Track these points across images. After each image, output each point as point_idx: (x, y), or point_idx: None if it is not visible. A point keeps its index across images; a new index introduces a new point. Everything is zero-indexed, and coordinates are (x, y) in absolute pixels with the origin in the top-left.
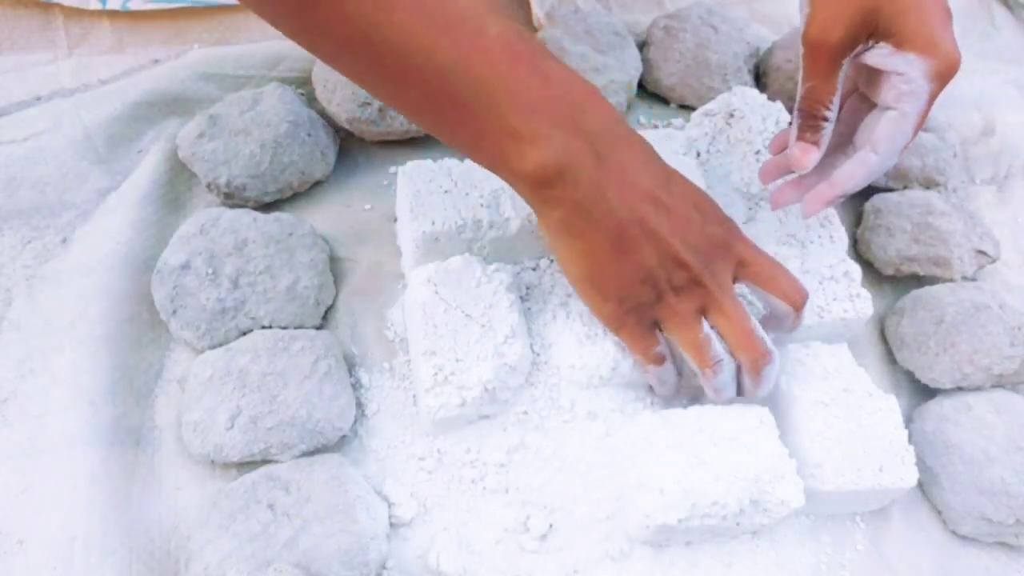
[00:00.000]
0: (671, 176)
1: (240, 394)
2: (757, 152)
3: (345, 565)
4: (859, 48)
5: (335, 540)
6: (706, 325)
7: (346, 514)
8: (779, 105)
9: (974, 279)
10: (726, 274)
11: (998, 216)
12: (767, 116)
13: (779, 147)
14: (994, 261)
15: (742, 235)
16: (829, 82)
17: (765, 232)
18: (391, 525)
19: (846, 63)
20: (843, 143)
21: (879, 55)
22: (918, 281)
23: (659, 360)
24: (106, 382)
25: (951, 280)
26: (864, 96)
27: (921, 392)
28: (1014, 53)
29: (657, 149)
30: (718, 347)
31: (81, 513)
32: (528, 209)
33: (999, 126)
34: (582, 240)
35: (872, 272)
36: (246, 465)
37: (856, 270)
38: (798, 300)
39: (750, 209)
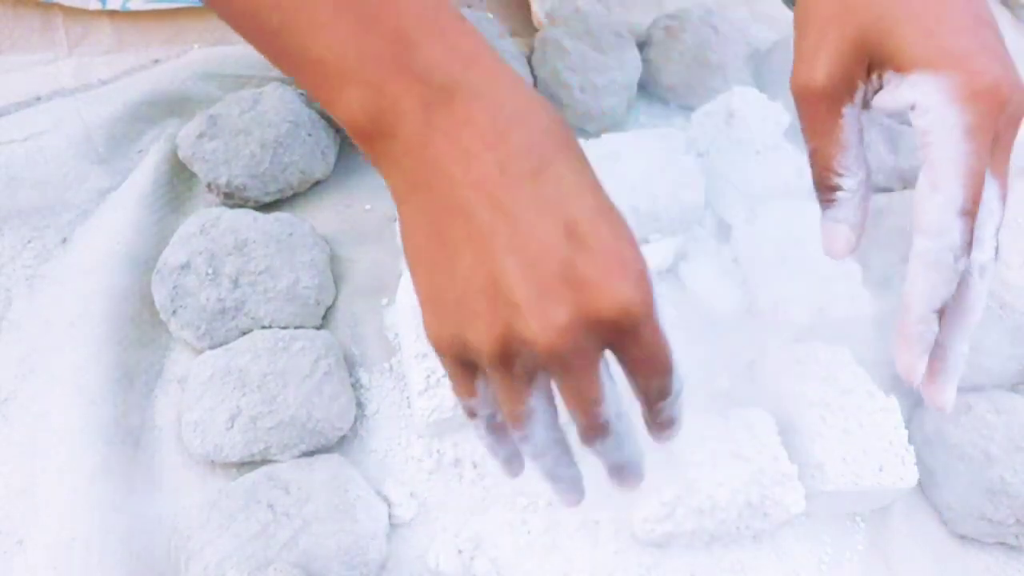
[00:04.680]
0: (550, 163)
1: (240, 394)
2: (757, 152)
3: (345, 565)
4: (861, 88)
5: (335, 540)
6: (536, 394)
7: (346, 514)
8: (779, 105)
9: None
10: (585, 339)
11: None
12: (767, 116)
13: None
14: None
15: (642, 291)
16: (832, 139)
17: (765, 232)
18: (391, 525)
19: (848, 112)
20: None
21: (889, 92)
22: None
23: (470, 413)
24: (106, 382)
25: None
26: None
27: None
28: (1014, 53)
29: (657, 149)
30: (532, 402)
31: (81, 513)
32: None
33: None
34: (403, 208)
35: (872, 272)
36: (246, 465)
37: (856, 270)
38: (653, 399)
39: (750, 209)
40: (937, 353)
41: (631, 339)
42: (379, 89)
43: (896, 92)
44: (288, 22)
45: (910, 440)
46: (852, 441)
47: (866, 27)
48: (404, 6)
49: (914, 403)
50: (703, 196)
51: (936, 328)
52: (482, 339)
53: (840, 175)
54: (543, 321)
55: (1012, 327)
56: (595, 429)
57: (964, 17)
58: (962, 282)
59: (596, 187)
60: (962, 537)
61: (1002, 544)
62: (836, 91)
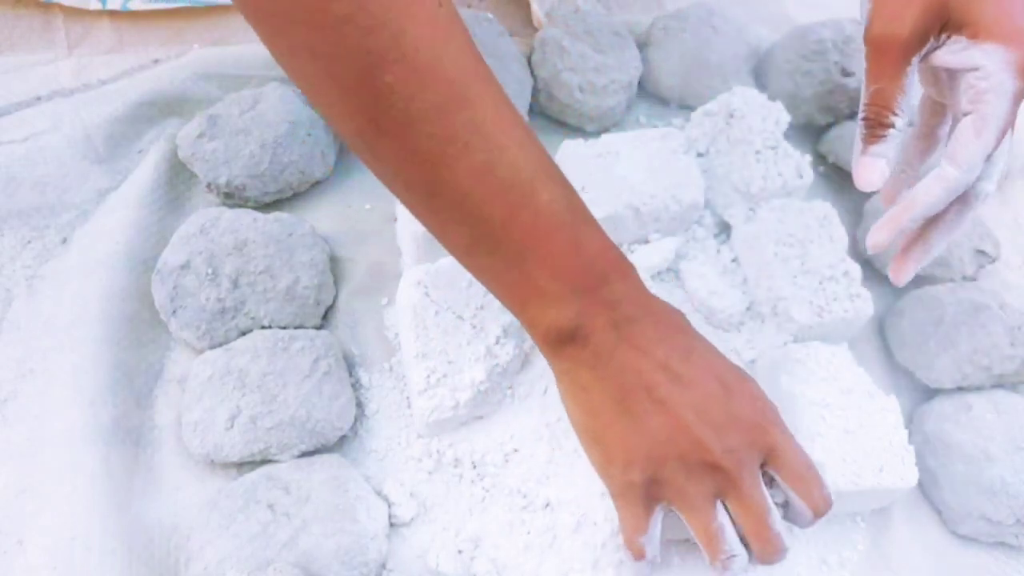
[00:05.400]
0: (695, 348)
1: (240, 394)
2: (757, 152)
3: (345, 565)
4: (930, 44)
5: (335, 540)
6: (720, 512)
7: (346, 514)
8: (779, 105)
9: (974, 279)
10: (750, 458)
11: (998, 216)
12: (767, 116)
13: (889, 198)
14: (994, 261)
15: (778, 420)
16: (896, 83)
17: (765, 232)
18: (391, 525)
19: (915, 62)
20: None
21: (952, 51)
22: (918, 281)
23: (639, 552)
24: (106, 382)
25: (951, 280)
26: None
27: (921, 392)
28: None
29: (657, 149)
30: (732, 538)
31: (81, 513)
32: None
33: None
34: (586, 394)
35: (872, 272)
36: (246, 465)
37: (856, 270)
38: (822, 508)
39: (750, 209)
40: (919, 243)
41: (787, 460)
42: (582, 312)
43: (964, 53)
44: (524, 253)
45: (910, 440)
46: (852, 441)
47: None
48: (608, 254)
49: (914, 403)
50: (703, 196)
51: (915, 227)
52: (686, 466)
53: (896, 114)
54: (719, 445)
55: (1012, 327)
56: (769, 543)
57: None
58: (964, 200)
59: (720, 353)
60: (962, 537)
61: (1002, 544)
62: (913, 42)
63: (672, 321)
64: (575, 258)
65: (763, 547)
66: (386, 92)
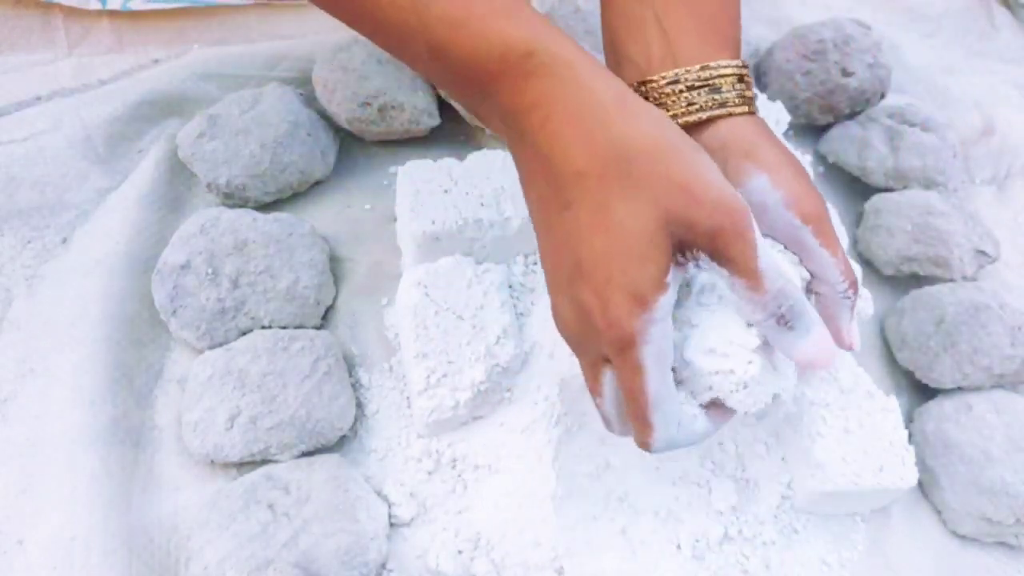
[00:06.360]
0: (572, 201)
1: (240, 394)
2: None
3: (345, 565)
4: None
5: (335, 540)
6: (605, 383)
7: (346, 514)
8: (779, 105)
9: (974, 279)
10: (627, 312)
11: (998, 216)
12: (767, 116)
13: None
14: (994, 261)
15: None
16: None
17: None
18: (391, 525)
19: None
20: None
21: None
22: (918, 281)
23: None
24: (106, 382)
25: (951, 280)
26: None
27: (921, 392)
28: (1014, 53)
29: None
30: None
31: (81, 513)
32: None
33: (999, 126)
34: (523, 190)
35: (872, 272)
36: (246, 465)
37: (856, 270)
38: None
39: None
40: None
41: (616, 367)
42: (500, 97)
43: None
44: (396, 55)
45: (910, 440)
46: (852, 441)
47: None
48: (477, 59)
49: (914, 403)
50: None
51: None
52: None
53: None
54: (558, 317)
55: (1012, 327)
56: (605, 422)
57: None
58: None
59: (611, 230)
60: (962, 537)
61: (1002, 544)
62: None
63: (566, 157)
64: (440, 67)
65: (633, 427)
66: None
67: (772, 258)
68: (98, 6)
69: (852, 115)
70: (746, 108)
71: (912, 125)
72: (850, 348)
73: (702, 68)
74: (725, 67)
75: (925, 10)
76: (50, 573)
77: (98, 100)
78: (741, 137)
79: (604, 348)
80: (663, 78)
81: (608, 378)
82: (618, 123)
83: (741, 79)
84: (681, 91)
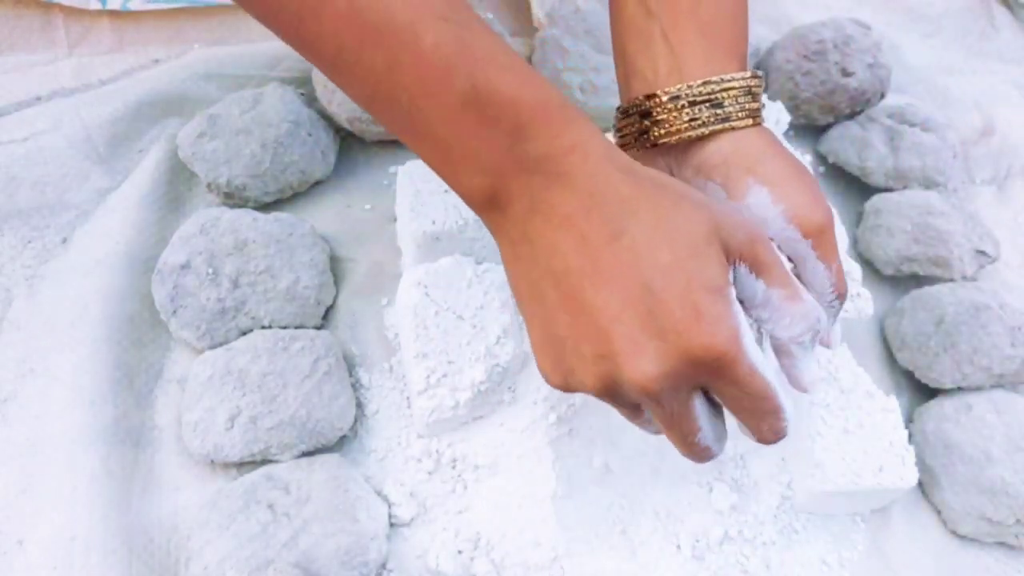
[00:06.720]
0: (626, 229)
1: (240, 394)
2: None
3: (345, 565)
4: None
5: (335, 540)
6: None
7: (346, 514)
8: (779, 105)
9: (974, 279)
10: (668, 386)
11: (998, 216)
12: (767, 115)
13: None
14: (994, 261)
15: (720, 332)
16: None
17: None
18: (391, 525)
19: None
20: None
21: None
22: (918, 281)
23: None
24: (106, 382)
25: (951, 280)
26: None
27: (921, 392)
28: (1014, 53)
29: None
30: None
31: (81, 513)
32: None
33: (999, 126)
34: (508, 271)
35: (872, 272)
36: (246, 465)
37: (856, 270)
38: (770, 440)
39: None
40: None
41: (725, 381)
42: (497, 177)
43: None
44: (417, 104)
45: (910, 440)
46: (852, 441)
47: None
48: (522, 101)
49: (914, 403)
50: None
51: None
52: (587, 387)
53: None
54: (636, 373)
55: (1012, 327)
56: (697, 455)
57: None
58: None
59: (674, 240)
60: (962, 537)
61: (1002, 544)
62: None
63: (606, 185)
64: (474, 110)
65: (691, 457)
66: None
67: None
68: (98, 6)
69: (852, 115)
70: (750, 121)
71: (912, 125)
72: (827, 346)
73: (704, 83)
74: (729, 81)
75: (925, 10)
76: (50, 573)
77: (98, 100)
78: (744, 151)
79: (700, 364)
80: (666, 93)
81: (699, 404)
82: (641, 167)
83: (749, 91)
84: (683, 106)
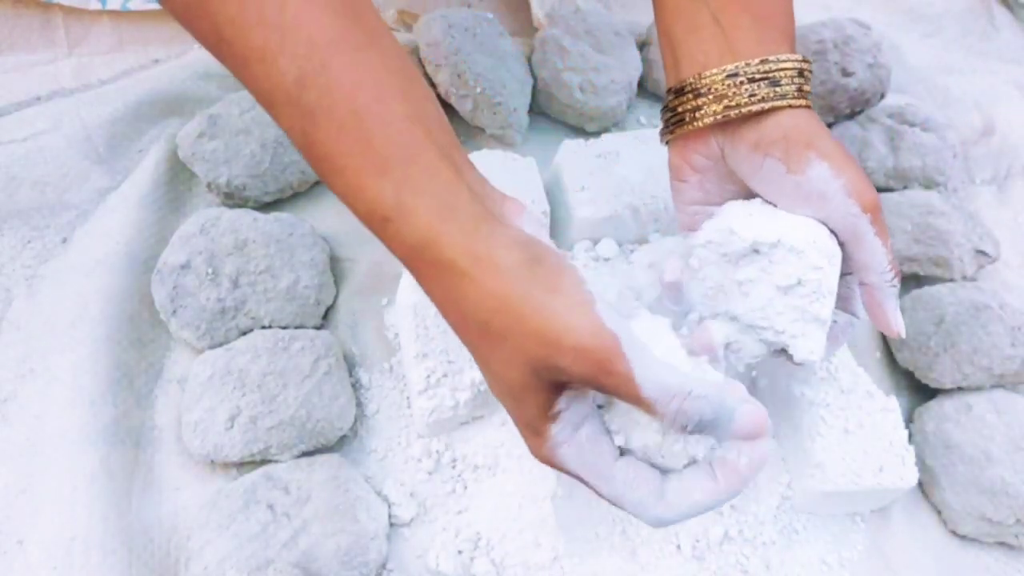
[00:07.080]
0: (476, 346)
1: (240, 394)
2: None
3: (345, 565)
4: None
5: (335, 540)
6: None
7: (346, 514)
8: None
9: (974, 279)
10: (528, 415)
11: (998, 216)
12: None
13: None
14: (994, 261)
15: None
16: None
17: None
18: (391, 525)
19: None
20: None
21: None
22: (918, 281)
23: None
24: (106, 382)
25: (951, 280)
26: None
27: (921, 392)
28: (1014, 53)
29: (657, 149)
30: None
31: (81, 513)
32: None
33: (999, 126)
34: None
35: None
36: (246, 465)
37: None
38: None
39: None
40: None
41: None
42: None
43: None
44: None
45: (910, 440)
46: (852, 441)
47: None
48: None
49: (914, 403)
50: None
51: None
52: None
53: None
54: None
55: (1012, 327)
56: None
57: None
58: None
59: (498, 383)
60: (962, 537)
61: (1002, 544)
62: None
63: (458, 327)
64: (355, 197)
65: None
66: None
67: (667, 372)
68: (98, 6)
69: (852, 115)
70: (804, 102)
71: (912, 125)
72: (897, 335)
73: (762, 62)
74: (784, 61)
75: (925, 10)
76: (50, 573)
77: (98, 100)
78: (801, 128)
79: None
80: (722, 71)
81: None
82: (471, 288)
83: (801, 73)
84: (742, 83)
